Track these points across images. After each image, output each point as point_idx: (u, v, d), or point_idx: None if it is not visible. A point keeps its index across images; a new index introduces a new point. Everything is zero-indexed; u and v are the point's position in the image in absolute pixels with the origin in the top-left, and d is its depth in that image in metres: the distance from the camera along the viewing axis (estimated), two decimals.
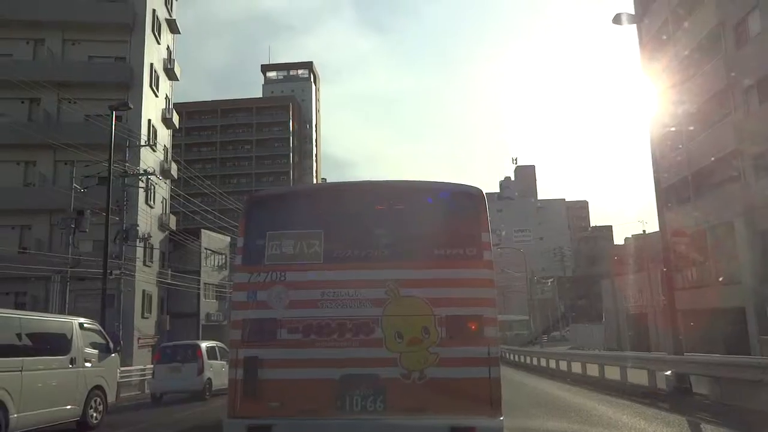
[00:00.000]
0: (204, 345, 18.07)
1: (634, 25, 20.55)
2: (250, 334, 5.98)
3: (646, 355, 17.40)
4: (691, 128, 27.45)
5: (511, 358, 33.11)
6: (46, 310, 24.23)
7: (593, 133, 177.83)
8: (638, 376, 14.36)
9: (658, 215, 16.65)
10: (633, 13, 21.48)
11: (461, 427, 5.53)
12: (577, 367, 19.43)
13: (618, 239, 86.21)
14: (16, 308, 20.53)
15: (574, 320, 55.78)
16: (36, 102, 32.95)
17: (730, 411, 10.16)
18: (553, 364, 23.16)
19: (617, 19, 15.42)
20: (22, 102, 32.85)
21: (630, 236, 41.93)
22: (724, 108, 25.34)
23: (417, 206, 6.46)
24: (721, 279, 24.68)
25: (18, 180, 32.82)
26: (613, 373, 15.97)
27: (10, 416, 8.55)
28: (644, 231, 36.55)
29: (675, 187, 28.81)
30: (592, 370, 17.73)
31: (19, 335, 9.24)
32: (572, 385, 17.39)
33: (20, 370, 8.93)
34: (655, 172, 16.55)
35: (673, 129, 26.88)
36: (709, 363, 11.72)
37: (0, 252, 27.75)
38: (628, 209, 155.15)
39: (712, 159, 25.78)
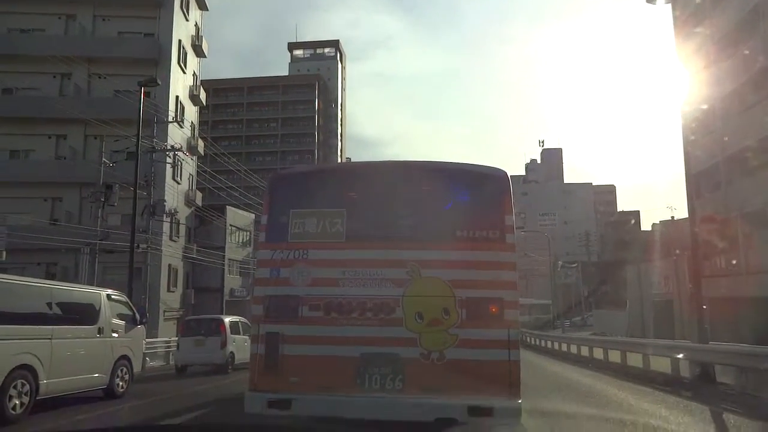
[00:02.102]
0: (227, 320, 18.38)
1: (669, 6, 19.90)
2: (272, 310, 6.06)
3: (670, 343, 17.19)
4: (725, 112, 26.66)
5: (532, 342, 33.03)
6: (75, 281, 24.85)
7: (622, 116, 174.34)
8: (661, 364, 14.20)
9: (688, 201, 16.30)
10: None
11: (479, 408, 5.56)
12: (599, 353, 19.28)
13: (645, 225, 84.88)
14: (47, 278, 21.15)
15: (597, 306, 55.28)
16: (67, 77, 33.45)
17: (754, 402, 9.99)
18: (574, 349, 23.04)
19: None
20: (54, 77, 33.38)
21: (658, 222, 41.22)
22: (761, 91, 24.52)
23: (440, 187, 6.42)
24: (737, 265, 24.05)
25: (50, 153, 33.51)
26: (635, 360, 15.83)
27: (40, 382, 8.84)
28: (672, 217, 35.88)
29: (706, 173, 28.11)
30: (614, 356, 17.59)
31: (49, 304, 9.50)
32: (593, 371, 17.27)
33: (50, 338, 9.19)
34: (686, 156, 16.15)
35: (705, 111, 26.13)
36: (734, 353, 11.52)
37: (32, 223, 28.48)
38: (656, 195, 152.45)
39: (747, 144, 25.05)
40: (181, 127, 34.82)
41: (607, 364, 17.61)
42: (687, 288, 22.51)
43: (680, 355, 13.39)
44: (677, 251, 27.80)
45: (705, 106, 26.14)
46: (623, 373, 15.53)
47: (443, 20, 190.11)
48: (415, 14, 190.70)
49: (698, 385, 12.02)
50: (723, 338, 16.22)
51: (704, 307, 13.59)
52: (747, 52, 25.22)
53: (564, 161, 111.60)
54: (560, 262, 57.61)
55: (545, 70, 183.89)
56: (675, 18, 28.52)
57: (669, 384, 12.77)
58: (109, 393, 10.81)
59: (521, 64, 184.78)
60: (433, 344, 5.75)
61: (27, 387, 8.60)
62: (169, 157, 29.00)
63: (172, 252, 33.45)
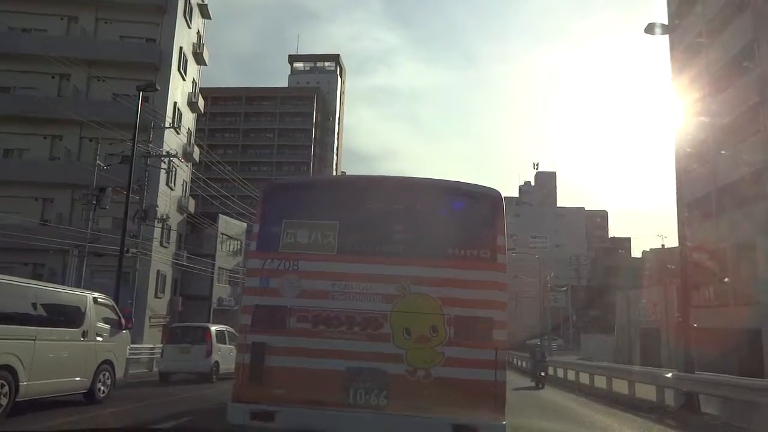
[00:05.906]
0: (214, 328, 18.26)
1: (666, 37, 20.23)
2: (259, 320, 6.03)
3: (655, 371, 17.21)
4: (719, 143, 26.99)
5: (518, 363, 32.91)
6: (62, 283, 24.60)
7: (617, 143, 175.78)
8: (646, 391, 14.20)
9: (678, 230, 16.43)
10: (666, 23, 21.16)
11: (464, 426, 5.55)
12: (585, 378, 19.26)
13: (636, 252, 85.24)
14: (34, 279, 20.92)
15: (585, 330, 55.28)
16: (66, 78, 33.41)
17: None
18: (561, 373, 23.00)
19: (650, 29, 15.17)
20: (53, 77, 33.33)
21: (648, 249, 41.48)
22: (755, 124, 24.87)
23: (434, 204, 6.45)
24: (725, 296, 24.23)
25: (44, 153, 33.34)
26: (621, 386, 15.82)
27: (21, 383, 8.71)
28: (663, 245, 36.11)
29: (698, 202, 28.36)
30: (600, 381, 17.56)
31: (34, 305, 9.38)
32: (579, 395, 17.24)
33: (33, 340, 9.08)
34: (678, 185, 16.33)
35: (699, 142, 26.43)
36: (719, 383, 11.53)
37: (22, 223, 28.26)
38: (648, 221, 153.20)
39: (738, 176, 25.33)
40: (178, 133, 34.80)
41: (593, 389, 17.58)
42: (675, 316, 22.60)
43: (666, 382, 13.40)
44: (666, 279, 27.94)
45: (699, 137, 26.45)
46: (609, 398, 15.52)
47: (443, 37, 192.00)
48: (415, 31, 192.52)
49: (683, 414, 12.02)
50: (710, 368, 16.25)
51: (693, 326, 13.62)
52: (739, 86, 25.61)
53: (557, 185, 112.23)
54: (549, 285, 57.59)
55: (543, 91, 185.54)
56: (672, 50, 29.03)
57: (654, 411, 12.77)
58: (89, 397, 10.66)
59: (519, 84, 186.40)
60: (419, 361, 5.73)
61: (6, 388, 8.46)
62: (164, 162, 28.93)
63: (161, 258, 33.24)
